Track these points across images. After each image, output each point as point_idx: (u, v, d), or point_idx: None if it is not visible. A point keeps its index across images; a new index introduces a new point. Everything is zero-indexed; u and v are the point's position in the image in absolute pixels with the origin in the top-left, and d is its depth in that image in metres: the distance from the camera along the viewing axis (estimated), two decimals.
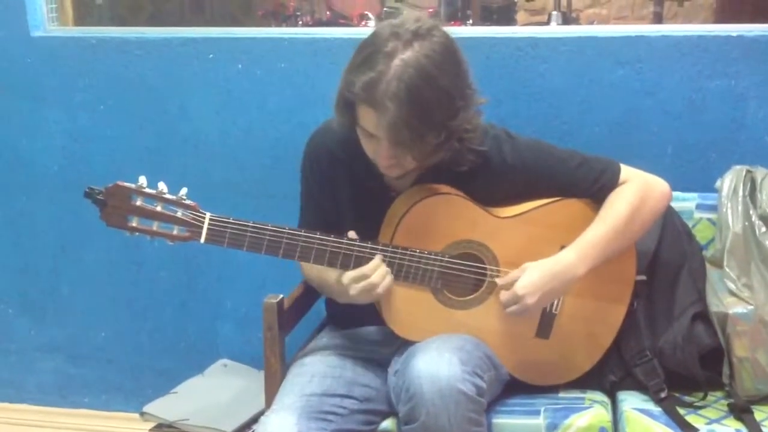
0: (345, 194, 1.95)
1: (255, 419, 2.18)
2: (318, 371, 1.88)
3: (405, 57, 1.65)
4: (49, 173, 2.69)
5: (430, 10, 3.72)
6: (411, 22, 1.70)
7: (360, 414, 1.85)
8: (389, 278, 1.79)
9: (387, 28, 1.71)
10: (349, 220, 1.92)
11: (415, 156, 1.72)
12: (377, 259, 1.79)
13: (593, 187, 1.91)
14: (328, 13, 3.94)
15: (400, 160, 1.74)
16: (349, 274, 1.79)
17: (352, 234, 1.80)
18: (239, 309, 2.69)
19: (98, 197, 1.70)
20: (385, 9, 3.90)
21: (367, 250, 1.81)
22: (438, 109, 1.67)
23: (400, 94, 1.63)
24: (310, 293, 2.12)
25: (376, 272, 1.77)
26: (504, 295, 1.86)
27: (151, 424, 2.33)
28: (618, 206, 1.89)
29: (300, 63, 2.48)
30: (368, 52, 1.69)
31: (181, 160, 2.59)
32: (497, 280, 1.88)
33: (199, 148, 2.59)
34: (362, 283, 1.78)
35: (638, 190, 1.90)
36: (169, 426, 2.30)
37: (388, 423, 1.88)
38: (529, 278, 1.83)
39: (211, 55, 2.53)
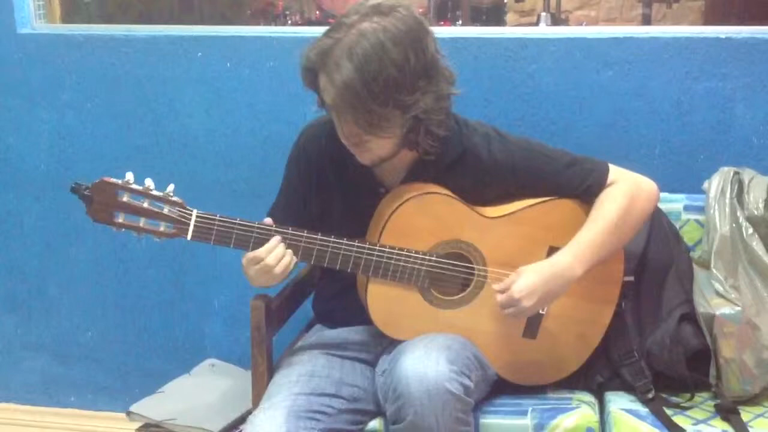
0: (334, 188, 1.95)
1: (242, 419, 2.17)
2: (305, 371, 1.88)
3: (362, 27, 1.69)
4: (36, 171, 2.68)
5: (420, 10, 3.72)
6: (378, 0, 1.74)
7: (348, 414, 1.85)
8: (287, 259, 1.79)
9: (356, 5, 1.75)
10: (338, 214, 1.92)
11: (361, 125, 1.72)
12: (273, 240, 1.78)
13: (581, 186, 1.92)
14: (317, 12, 3.93)
15: (354, 135, 1.76)
16: (247, 256, 1.80)
17: (268, 220, 1.81)
18: (227, 308, 2.68)
19: (84, 193, 1.70)
20: None
21: (354, 249, 1.81)
22: (385, 81, 1.68)
23: (351, 60, 1.67)
24: (297, 292, 2.12)
25: (271, 254, 1.77)
26: (500, 297, 1.85)
27: (137, 424, 2.32)
28: (609, 207, 1.89)
29: (289, 62, 2.45)
30: (330, 26, 1.74)
31: (169, 159, 2.58)
32: (494, 286, 1.87)
33: (188, 147, 2.58)
34: (258, 265, 1.78)
35: (627, 190, 1.91)
36: (156, 426, 2.29)
37: (375, 423, 1.88)
38: (526, 281, 1.82)
39: (199, 54, 2.52)
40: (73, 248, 2.72)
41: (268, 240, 1.78)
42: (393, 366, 1.73)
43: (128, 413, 2.34)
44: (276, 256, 1.77)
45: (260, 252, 1.77)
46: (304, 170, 1.96)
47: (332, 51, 1.69)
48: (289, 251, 1.79)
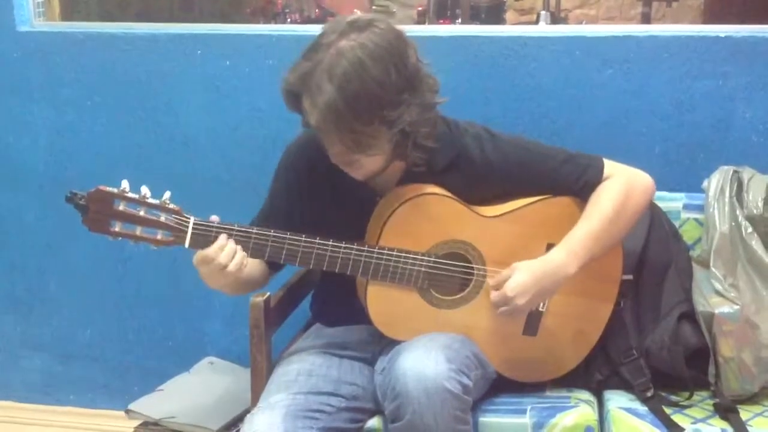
0: (328, 199, 1.93)
1: (241, 417, 2.17)
2: (304, 369, 1.88)
3: (340, 46, 1.67)
4: (35, 169, 2.68)
5: (419, 8, 3.72)
6: (352, 16, 1.72)
7: (346, 412, 1.85)
8: (239, 256, 1.74)
9: (332, 23, 1.74)
10: (335, 225, 1.89)
11: (347, 143, 1.71)
12: (221, 238, 1.74)
13: (578, 183, 1.92)
14: (317, 10, 3.93)
15: (341, 154, 1.75)
16: (196, 257, 1.76)
17: (214, 217, 1.76)
18: (226, 307, 2.68)
19: (80, 202, 1.68)
20: (374, 7, 3.89)
21: (353, 251, 1.80)
22: (368, 99, 1.66)
23: (331, 81, 1.64)
24: (296, 291, 2.13)
25: (222, 253, 1.73)
26: (494, 296, 1.85)
27: (136, 422, 2.32)
28: (603, 203, 1.89)
29: (288, 60, 2.42)
30: (310, 46, 1.72)
31: (169, 157, 2.58)
32: (488, 280, 1.87)
33: (187, 145, 2.58)
34: (210, 265, 1.74)
35: (622, 185, 1.90)
36: (155, 424, 2.29)
37: (374, 421, 1.88)
38: (520, 279, 1.83)
39: (199, 52, 2.52)
40: (73, 246, 2.72)
41: (266, 246, 1.77)
42: (392, 364, 1.73)
43: (127, 411, 2.34)
44: (228, 253, 1.73)
45: (210, 251, 1.73)
46: (293, 182, 1.95)
47: (312, 73, 1.67)
48: (239, 247, 1.75)
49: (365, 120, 1.68)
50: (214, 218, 1.76)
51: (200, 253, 1.74)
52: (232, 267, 1.74)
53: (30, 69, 2.61)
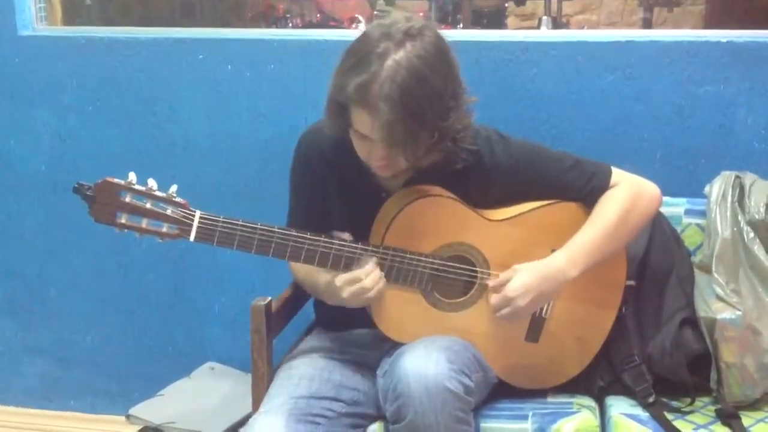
0: (335, 194, 1.94)
1: (242, 422, 2.17)
2: (306, 374, 1.87)
3: (397, 58, 1.64)
4: (37, 174, 2.68)
5: (421, 13, 3.73)
6: (402, 22, 1.70)
7: (348, 417, 1.85)
8: (382, 282, 1.79)
9: (378, 28, 1.71)
10: (340, 219, 1.91)
11: (408, 157, 1.70)
12: (372, 263, 1.78)
13: (584, 188, 1.92)
14: (318, 15, 3.94)
15: (393, 160, 1.74)
16: (342, 277, 1.78)
17: (347, 236, 1.80)
18: (227, 312, 2.68)
19: (87, 193, 1.68)
20: (375, 12, 3.89)
21: (358, 251, 1.80)
22: (431, 110, 1.66)
23: (393, 95, 1.62)
24: (298, 296, 2.12)
25: (370, 276, 1.76)
26: (495, 298, 1.85)
27: (137, 427, 2.32)
28: (608, 209, 1.89)
29: (290, 65, 2.48)
30: (360, 54, 1.68)
31: (170, 162, 2.58)
32: (488, 282, 1.87)
33: (189, 150, 2.58)
34: (355, 287, 1.77)
35: (629, 193, 1.91)
36: (155, 429, 2.29)
37: (375, 427, 1.87)
38: (520, 280, 1.83)
39: (200, 56, 2.52)
40: (74, 251, 2.72)
41: (271, 243, 1.77)
42: (393, 366, 1.72)
43: (128, 416, 2.34)
44: (373, 279, 1.76)
45: (359, 273, 1.76)
46: (308, 177, 1.96)
47: (370, 86, 1.63)
48: (382, 274, 1.79)
49: (429, 131, 1.68)
50: (346, 236, 1.80)
51: (348, 275, 1.77)
52: (373, 293, 1.77)
53: (31, 73, 2.62)
